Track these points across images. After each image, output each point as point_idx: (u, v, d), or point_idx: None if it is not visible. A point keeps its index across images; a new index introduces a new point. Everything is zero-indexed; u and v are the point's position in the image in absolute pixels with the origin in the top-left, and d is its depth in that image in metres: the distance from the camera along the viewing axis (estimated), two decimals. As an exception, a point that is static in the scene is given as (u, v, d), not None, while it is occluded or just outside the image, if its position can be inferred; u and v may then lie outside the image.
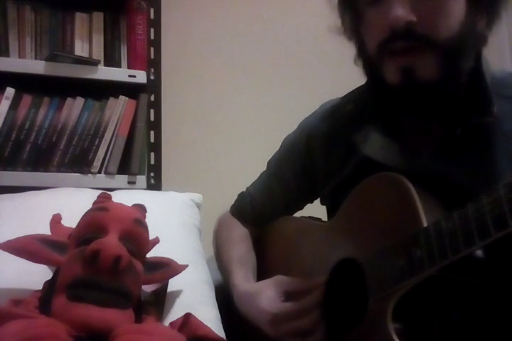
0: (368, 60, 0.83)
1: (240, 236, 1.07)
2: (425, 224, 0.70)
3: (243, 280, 0.96)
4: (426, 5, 0.74)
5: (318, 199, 1.06)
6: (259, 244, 1.07)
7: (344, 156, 0.92)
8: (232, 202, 1.15)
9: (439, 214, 0.70)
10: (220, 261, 1.06)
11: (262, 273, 1.01)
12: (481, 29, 0.79)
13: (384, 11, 0.75)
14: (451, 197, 0.75)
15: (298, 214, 1.10)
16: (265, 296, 0.86)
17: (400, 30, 0.74)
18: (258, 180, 1.11)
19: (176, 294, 1.01)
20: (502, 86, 0.82)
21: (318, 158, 0.98)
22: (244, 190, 1.13)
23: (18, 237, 0.88)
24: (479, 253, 0.69)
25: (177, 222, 1.20)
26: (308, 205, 1.10)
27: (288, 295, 0.86)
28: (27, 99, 1.42)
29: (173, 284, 1.00)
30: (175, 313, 0.95)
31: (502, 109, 0.79)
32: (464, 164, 0.80)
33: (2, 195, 1.20)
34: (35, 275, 0.91)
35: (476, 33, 0.78)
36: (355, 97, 0.95)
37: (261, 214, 1.08)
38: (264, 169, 1.11)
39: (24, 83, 1.41)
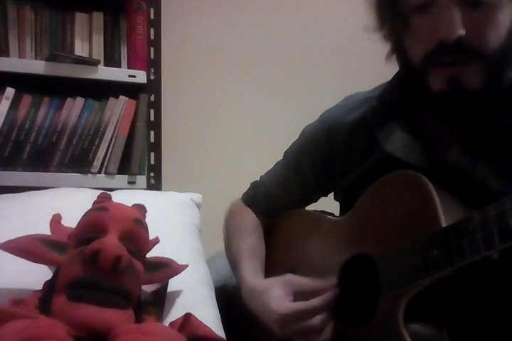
0: (409, 65, 0.82)
1: (251, 226, 1.06)
2: (444, 224, 0.70)
3: (252, 275, 0.95)
4: (476, 18, 0.73)
5: (331, 195, 1.04)
6: (270, 236, 1.06)
7: (365, 151, 0.91)
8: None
9: (459, 215, 0.70)
10: (230, 250, 1.05)
11: (270, 266, 1.00)
12: None
13: (434, 21, 0.74)
14: (472, 198, 0.74)
15: (310, 207, 1.08)
16: (274, 295, 0.86)
17: (449, 43, 0.73)
18: (273, 169, 1.09)
19: (176, 294, 1.01)
20: None
21: (339, 151, 0.96)
22: (257, 179, 1.12)
23: (18, 237, 0.88)
24: (494, 255, 0.68)
25: (177, 222, 1.20)
26: (321, 199, 1.08)
27: (297, 295, 0.85)
28: (27, 99, 1.42)
29: (173, 284, 1.00)
30: (175, 313, 0.95)
31: None
32: (487, 164, 0.79)
33: (2, 195, 1.20)
34: (35, 275, 0.91)
35: None
36: (381, 93, 0.93)
37: (275, 204, 1.07)
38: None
39: (24, 83, 1.41)
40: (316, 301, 0.82)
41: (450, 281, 0.70)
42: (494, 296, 0.72)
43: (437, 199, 0.72)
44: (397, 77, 0.91)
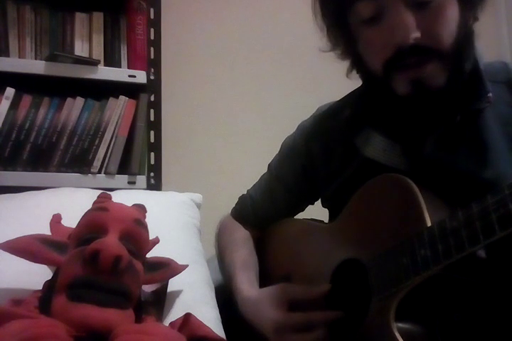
0: (370, 75, 0.83)
1: (241, 239, 1.07)
2: (429, 224, 0.70)
3: (247, 285, 0.96)
4: (428, 18, 0.75)
5: (319, 202, 1.05)
6: (262, 246, 1.07)
7: (345, 158, 0.92)
8: (232, 202, 1.15)
9: (444, 214, 0.70)
10: (223, 264, 1.06)
11: (265, 276, 1.01)
12: (471, 24, 0.80)
13: (388, 28, 0.76)
14: (454, 193, 0.75)
15: (299, 216, 1.10)
16: (269, 305, 0.87)
17: (407, 47, 0.74)
18: (259, 182, 1.11)
19: (176, 294, 1.00)
20: (492, 72, 0.84)
21: (319, 160, 0.98)
22: (245, 192, 1.13)
23: (18, 237, 0.88)
24: (481, 253, 0.69)
25: (177, 222, 1.20)
26: (310, 207, 1.10)
27: (292, 304, 0.86)
28: (27, 99, 1.42)
29: (173, 284, 1.00)
30: (175, 313, 0.95)
31: (495, 94, 0.81)
32: (465, 150, 0.81)
33: (2, 195, 1.19)
34: (35, 276, 0.91)
35: (469, 30, 0.80)
36: (353, 101, 0.95)
37: (262, 216, 1.08)
38: (264, 169, 1.11)
39: (24, 83, 1.41)
40: (315, 316, 0.82)
41: (440, 281, 0.70)
42: (484, 294, 0.73)
43: (422, 200, 0.73)
44: (364, 84, 0.92)
